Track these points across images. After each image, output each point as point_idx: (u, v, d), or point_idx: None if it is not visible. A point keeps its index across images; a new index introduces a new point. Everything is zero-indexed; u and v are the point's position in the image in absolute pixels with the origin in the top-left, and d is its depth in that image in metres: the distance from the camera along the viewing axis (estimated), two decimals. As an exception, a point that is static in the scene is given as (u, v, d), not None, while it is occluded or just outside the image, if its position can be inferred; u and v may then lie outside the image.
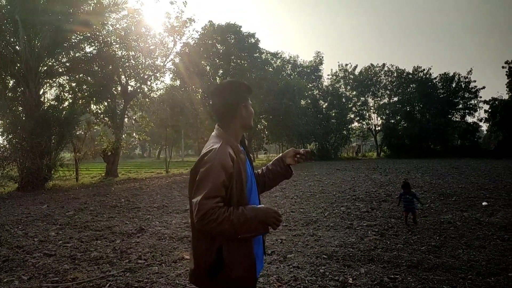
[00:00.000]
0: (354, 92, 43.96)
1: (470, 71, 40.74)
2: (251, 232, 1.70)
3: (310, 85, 41.17)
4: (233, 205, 1.70)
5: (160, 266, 4.68)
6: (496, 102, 39.09)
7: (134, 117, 24.04)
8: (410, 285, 3.83)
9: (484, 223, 6.54)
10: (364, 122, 45.64)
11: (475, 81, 42.24)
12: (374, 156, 44.13)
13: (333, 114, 42.40)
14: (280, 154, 2.22)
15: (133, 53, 20.31)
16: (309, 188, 12.61)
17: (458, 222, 6.67)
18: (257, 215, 1.70)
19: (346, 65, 44.48)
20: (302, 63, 42.22)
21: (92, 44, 18.51)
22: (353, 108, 43.94)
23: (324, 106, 42.71)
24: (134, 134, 33.03)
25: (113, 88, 20.61)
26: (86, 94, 19.02)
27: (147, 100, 22.08)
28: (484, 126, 42.98)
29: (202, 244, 1.73)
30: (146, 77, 21.38)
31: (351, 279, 4.05)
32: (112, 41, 19.46)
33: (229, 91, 1.87)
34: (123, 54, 20.38)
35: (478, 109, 40.83)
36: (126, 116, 24.54)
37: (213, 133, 1.89)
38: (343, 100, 42.70)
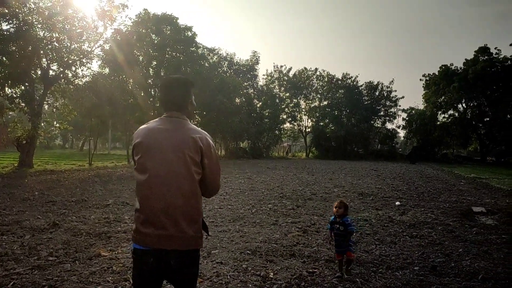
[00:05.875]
0: (287, 94, 45.15)
1: (392, 81, 44.25)
2: None
3: (246, 83, 41.47)
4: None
5: (73, 264, 4.36)
6: (413, 111, 42.97)
7: (55, 104, 22.21)
8: (326, 279, 4.01)
9: (396, 221, 7.09)
10: (296, 123, 47.14)
11: (395, 90, 45.84)
12: (303, 156, 45.82)
13: (267, 114, 43.23)
14: None
15: (57, 35, 18.74)
16: (239, 185, 12.70)
17: (373, 220, 7.16)
18: None
19: (281, 66, 45.52)
20: (238, 61, 42.33)
21: (10, 22, 16.75)
22: (286, 109, 45.15)
23: (258, 106, 43.32)
24: (55, 123, 30.49)
25: (32, 71, 18.88)
26: (0, 75, 17.15)
27: (71, 86, 20.50)
28: (402, 133, 46.99)
29: (201, 210, 2.15)
30: (70, 62, 19.86)
31: (272, 273, 4.13)
32: (34, 21, 17.79)
33: (183, 85, 2.20)
34: (45, 35, 18.71)
35: (397, 117, 44.49)
36: (46, 102, 22.59)
37: (175, 118, 2.13)
38: (277, 100, 43.73)
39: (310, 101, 46.56)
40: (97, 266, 4.29)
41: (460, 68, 38.90)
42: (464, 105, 40.48)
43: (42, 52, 18.51)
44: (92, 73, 22.39)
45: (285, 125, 46.59)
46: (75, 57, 20.07)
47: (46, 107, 26.40)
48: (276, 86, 45.65)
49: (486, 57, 37.10)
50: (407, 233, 6.19)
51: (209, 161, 2.09)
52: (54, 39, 18.76)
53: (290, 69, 45.38)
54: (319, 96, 46.34)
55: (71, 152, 47.54)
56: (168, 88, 2.19)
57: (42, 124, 21.35)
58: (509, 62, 35.98)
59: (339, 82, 44.90)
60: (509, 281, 4.03)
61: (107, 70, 25.25)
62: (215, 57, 38.97)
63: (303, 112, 46.80)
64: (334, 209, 4.10)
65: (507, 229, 6.62)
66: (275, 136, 44.66)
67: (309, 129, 46.82)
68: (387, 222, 6.98)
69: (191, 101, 2.22)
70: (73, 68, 20.44)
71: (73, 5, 18.91)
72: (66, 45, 19.38)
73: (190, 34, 30.50)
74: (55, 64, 19.93)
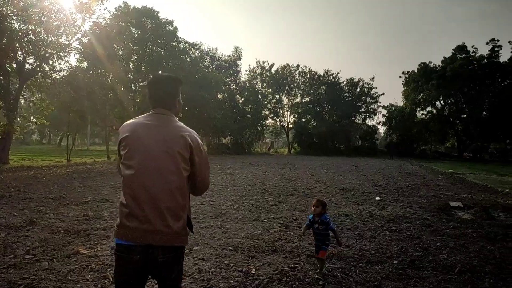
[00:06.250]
0: (270, 90, 45.19)
1: (373, 78, 44.87)
2: None
3: (228, 79, 41.24)
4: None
5: (51, 262, 4.26)
6: (393, 108, 43.78)
7: (32, 99, 21.55)
8: (308, 274, 4.04)
9: (376, 216, 7.21)
10: (278, 119, 47.26)
11: (376, 87, 46.48)
12: (286, 152, 46.03)
13: (249, 110, 43.17)
14: None
15: (33, 27, 18.17)
16: (221, 181, 12.65)
17: (354, 215, 7.25)
18: None
19: (263, 62, 45.47)
20: (220, 56, 42.03)
21: (-17, 14, 16.17)
22: (268, 105, 45.20)
23: (240, 101, 43.21)
24: (32, 118, 29.64)
25: (7, 65, 18.28)
26: (-27, 69, 16.57)
27: (48, 80, 19.93)
28: (382, 129, 47.81)
29: (188, 207, 2.14)
30: (47, 55, 19.30)
31: (254, 269, 4.14)
32: (9, 12, 17.20)
33: (172, 83, 2.22)
34: (21, 27, 18.13)
35: (377, 113, 45.20)
36: (22, 97, 21.92)
37: (163, 114, 2.13)
38: (259, 96, 43.69)
39: (292, 97, 46.76)
40: (76, 264, 4.20)
41: (439, 66, 39.72)
42: (442, 102, 41.44)
43: (17, 45, 17.93)
44: (70, 67, 21.85)
45: (267, 121, 46.69)
46: (52, 51, 19.50)
47: (22, 101, 25.70)
48: (259, 82, 45.63)
49: (463, 55, 38.04)
50: (386, 227, 6.30)
51: (199, 159, 2.11)
52: (30, 31, 18.19)
53: (272, 65, 45.44)
54: (301, 92, 46.56)
55: (49, 148, 46.38)
56: (157, 85, 2.21)
57: (18, 119, 20.74)
58: (485, 60, 36.99)
59: (321, 78, 45.21)
60: (484, 274, 4.16)
61: (85, 64, 24.66)
62: (197, 52, 38.57)
63: (285, 108, 46.99)
64: (312, 208, 4.09)
65: (482, 223, 6.82)
66: (258, 132, 44.66)
67: (291, 125, 47.03)
68: (367, 217, 7.08)
69: (179, 99, 2.24)
70: (50, 62, 19.88)
71: (50, -4, 18.36)
72: (42, 38, 18.79)
73: (171, 28, 30.06)
74: (31, 57, 19.33)
